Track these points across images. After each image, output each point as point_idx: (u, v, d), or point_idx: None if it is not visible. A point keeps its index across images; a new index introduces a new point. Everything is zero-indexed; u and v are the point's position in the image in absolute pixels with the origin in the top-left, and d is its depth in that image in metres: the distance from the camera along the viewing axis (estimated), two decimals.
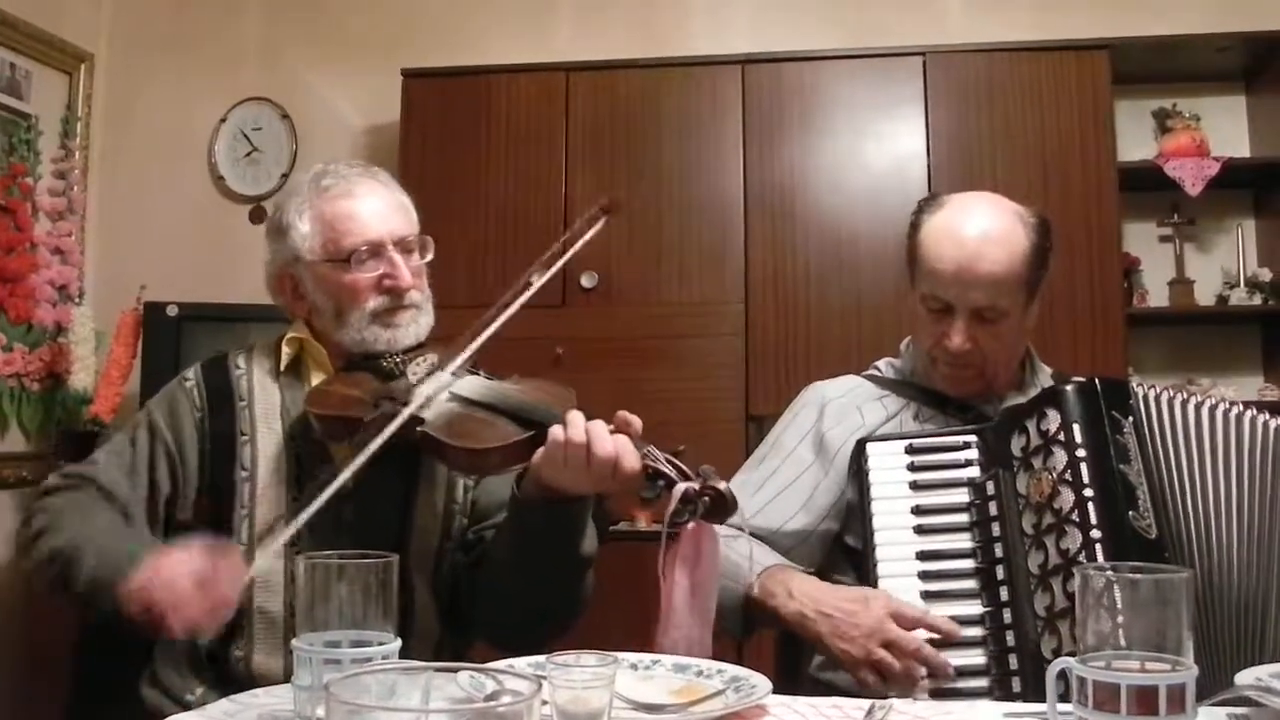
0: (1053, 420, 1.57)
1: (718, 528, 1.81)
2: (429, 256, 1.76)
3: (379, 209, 1.70)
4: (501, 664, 1.23)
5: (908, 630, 1.50)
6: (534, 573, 1.58)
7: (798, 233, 3.50)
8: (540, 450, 1.46)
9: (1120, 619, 1.03)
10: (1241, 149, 3.70)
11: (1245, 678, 1.21)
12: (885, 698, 1.37)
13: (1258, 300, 3.58)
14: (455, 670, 1.04)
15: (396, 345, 1.68)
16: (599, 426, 1.43)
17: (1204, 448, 1.56)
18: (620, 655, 1.27)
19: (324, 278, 1.69)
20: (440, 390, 1.58)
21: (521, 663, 1.26)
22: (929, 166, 3.47)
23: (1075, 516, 1.50)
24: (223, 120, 4.21)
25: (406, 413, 1.50)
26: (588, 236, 1.67)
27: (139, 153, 4.22)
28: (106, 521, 1.59)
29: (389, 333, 1.68)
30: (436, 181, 3.60)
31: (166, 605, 1.36)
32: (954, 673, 1.49)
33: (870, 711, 1.24)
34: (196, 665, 1.62)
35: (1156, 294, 3.70)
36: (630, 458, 1.42)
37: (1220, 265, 3.72)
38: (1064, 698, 1.08)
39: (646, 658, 1.34)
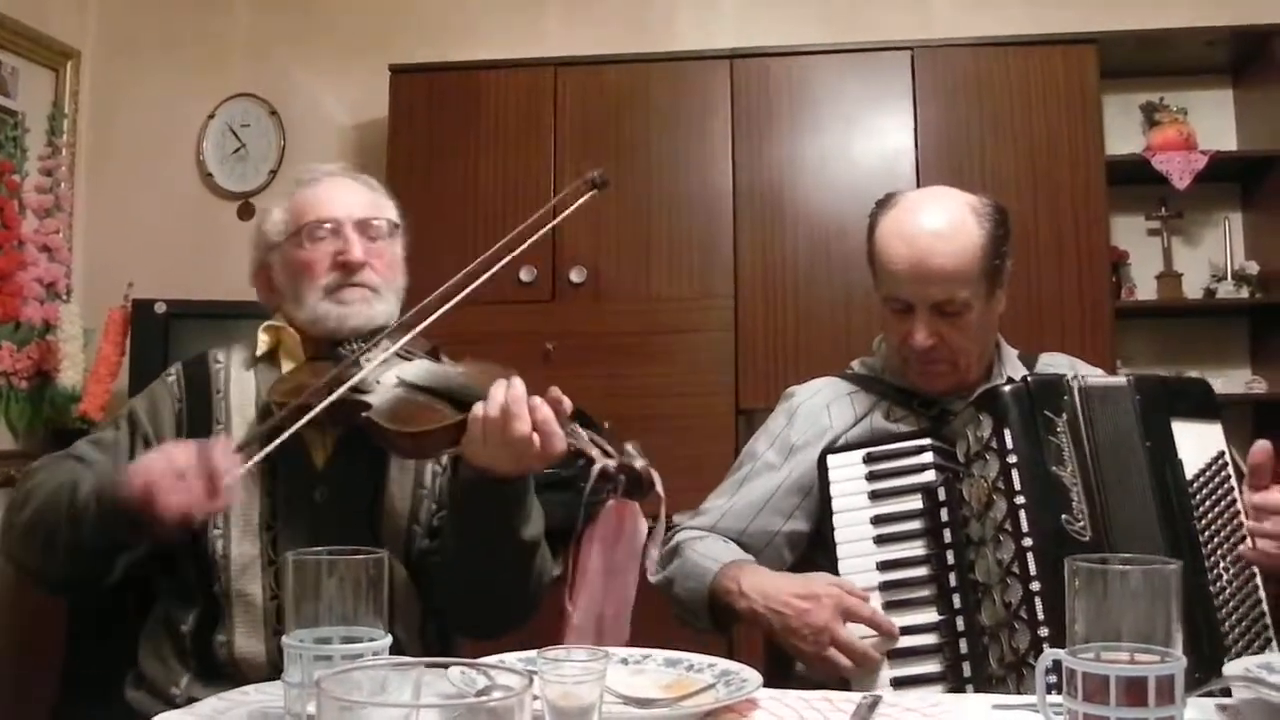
0: (986, 426, 1.58)
1: (693, 531, 1.83)
2: (398, 241, 1.78)
3: (343, 193, 1.76)
4: (493, 659, 1.23)
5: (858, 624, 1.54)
6: (476, 557, 1.59)
7: (787, 227, 3.50)
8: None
9: (1108, 610, 1.03)
10: (1229, 142, 3.72)
11: (1234, 668, 1.23)
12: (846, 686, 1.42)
13: (1245, 293, 3.59)
14: (446, 665, 1.04)
15: (345, 323, 1.68)
16: (518, 403, 1.43)
17: (1113, 436, 1.57)
18: (611, 650, 1.27)
19: (287, 256, 1.73)
20: (387, 364, 1.59)
21: (512, 657, 1.26)
22: (917, 161, 3.47)
23: (1008, 525, 1.52)
24: (210, 117, 4.19)
25: (351, 381, 1.51)
26: (574, 207, 1.65)
27: (126, 150, 4.20)
28: (103, 464, 1.62)
29: (339, 309, 1.69)
30: (425, 177, 3.60)
31: (165, 480, 1.38)
32: (898, 635, 1.53)
33: (859, 706, 1.24)
34: (181, 655, 1.62)
35: (1144, 287, 3.72)
36: (551, 436, 1.43)
37: (1208, 258, 3.73)
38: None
39: (637, 652, 1.35)
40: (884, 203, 1.83)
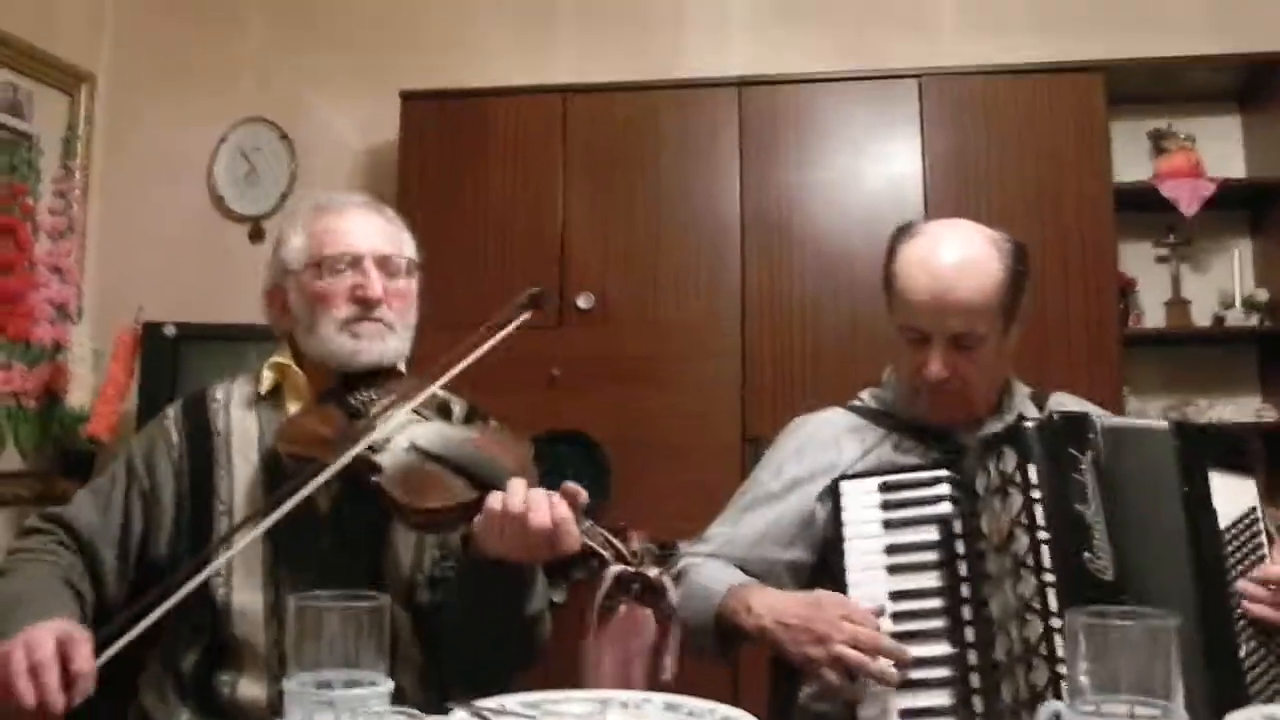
0: (1009, 460, 1.56)
1: (696, 558, 1.83)
2: (414, 280, 1.78)
3: (365, 227, 1.75)
4: (493, 703, 1.23)
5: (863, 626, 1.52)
6: (478, 626, 1.60)
7: (794, 254, 3.50)
8: (478, 517, 1.47)
9: (1109, 662, 1.03)
10: (1237, 170, 3.71)
11: (1238, 718, 1.22)
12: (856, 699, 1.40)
13: (1254, 321, 3.58)
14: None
15: (357, 358, 1.69)
16: (539, 498, 1.43)
17: (1144, 478, 1.56)
18: (610, 693, 1.27)
19: (303, 285, 1.73)
20: (399, 432, 1.58)
21: (514, 701, 1.26)
22: (925, 188, 3.47)
23: (1030, 560, 1.49)
24: (222, 140, 4.21)
25: (355, 450, 1.50)
26: (509, 329, 1.63)
27: (139, 172, 4.22)
28: (44, 574, 1.60)
29: (353, 343, 1.69)
30: (435, 202, 3.61)
31: (21, 673, 1.33)
32: (911, 659, 1.51)
33: None
34: (181, 693, 1.63)
35: (1152, 315, 3.71)
36: (568, 535, 1.43)
37: (1217, 286, 3.71)
38: None
39: (638, 695, 1.34)
40: (905, 231, 1.83)
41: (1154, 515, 1.54)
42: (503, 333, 1.62)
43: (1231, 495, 1.59)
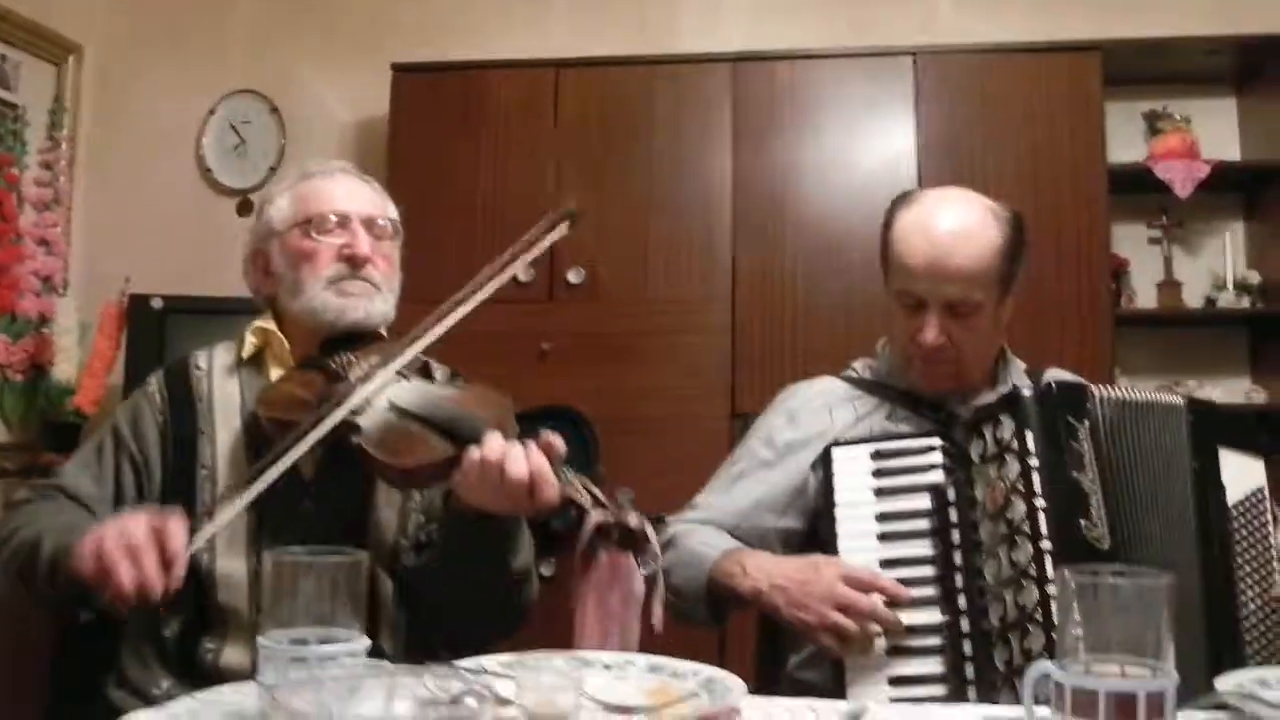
0: (1007, 427, 1.56)
1: (687, 525, 1.82)
2: (398, 245, 1.78)
3: (351, 190, 1.76)
4: (471, 663, 1.22)
5: (860, 592, 1.52)
6: (464, 584, 1.59)
7: (786, 231, 3.48)
8: (457, 471, 1.46)
9: (1100, 622, 1.01)
10: (1232, 152, 3.70)
11: (1226, 683, 1.21)
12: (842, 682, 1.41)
13: (1246, 303, 3.58)
14: (420, 672, 1.03)
15: (344, 316, 1.68)
16: (516, 448, 1.43)
17: (1143, 448, 1.56)
18: (593, 655, 1.26)
19: (290, 244, 1.72)
20: (379, 393, 1.57)
21: (492, 661, 1.25)
22: (919, 166, 3.45)
23: (1026, 527, 1.49)
24: (211, 112, 4.18)
25: (335, 416, 1.49)
26: (546, 243, 1.62)
27: (126, 144, 4.19)
28: (71, 516, 1.61)
29: (340, 300, 1.69)
30: (424, 176, 3.58)
31: (117, 555, 1.36)
32: (905, 629, 1.51)
33: (846, 716, 1.23)
34: (164, 659, 1.62)
35: (1144, 296, 3.70)
36: (545, 484, 1.42)
37: (1209, 268, 3.71)
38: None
39: (620, 657, 1.33)
40: (903, 199, 1.83)
41: (1163, 488, 1.55)
42: (535, 250, 1.61)
43: (1240, 474, 1.60)
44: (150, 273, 3.76)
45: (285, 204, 1.75)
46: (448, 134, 3.65)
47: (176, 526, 1.39)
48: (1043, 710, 1.06)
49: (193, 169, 4.19)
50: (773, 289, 3.46)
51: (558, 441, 1.46)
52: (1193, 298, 3.69)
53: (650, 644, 1.41)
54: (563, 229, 1.62)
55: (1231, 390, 3.56)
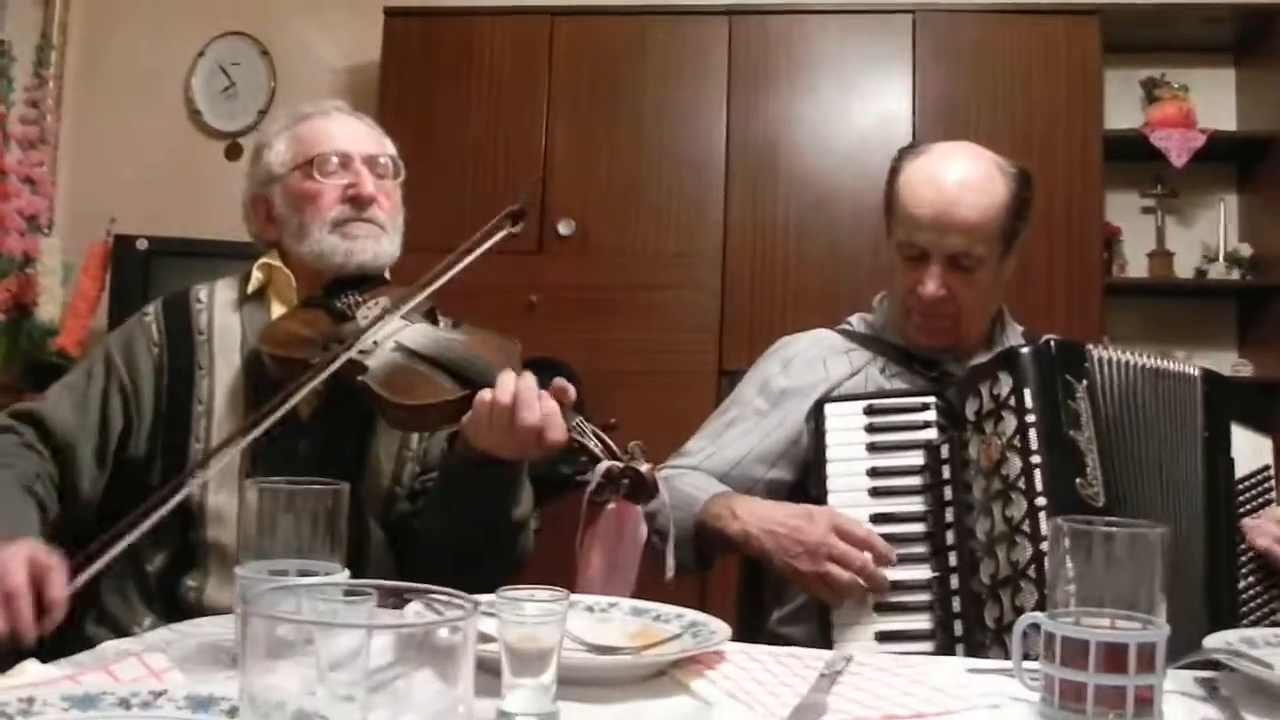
0: (1004, 384, 1.55)
1: (676, 469, 1.81)
2: (399, 183, 1.76)
3: (350, 129, 1.74)
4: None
5: (853, 545, 1.51)
6: (463, 531, 1.57)
7: (779, 188, 3.46)
8: (468, 414, 1.45)
9: (1092, 574, 1.01)
10: (1228, 122, 3.69)
11: (1215, 641, 1.21)
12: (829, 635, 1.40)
13: (1236, 275, 3.58)
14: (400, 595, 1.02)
15: (352, 258, 1.66)
16: (528, 392, 1.41)
17: (1147, 411, 1.57)
18: (576, 596, 1.25)
19: (291, 188, 1.69)
20: (386, 336, 1.55)
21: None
22: (914, 125, 3.42)
23: (1021, 484, 1.49)
24: (200, 54, 4.13)
25: (345, 356, 1.47)
26: (489, 245, 1.59)
27: (114, 84, 4.14)
28: (6, 481, 1.52)
29: (346, 243, 1.66)
30: (416, 122, 3.53)
31: None
32: (889, 586, 1.51)
33: (829, 662, 1.23)
34: (146, 596, 1.60)
35: (1135, 265, 3.69)
36: (556, 429, 1.41)
37: (1200, 239, 3.71)
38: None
39: (604, 600, 1.33)
40: (911, 149, 1.82)
41: (1169, 453, 1.56)
42: (480, 250, 1.59)
43: (1249, 450, 1.62)
44: (136, 214, 3.72)
45: (283, 147, 1.72)
46: (440, 80, 3.61)
47: (58, 573, 1.31)
48: (1031, 664, 1.06)
49: (181, 110, 4.14)
50: (764, 246, 3.44)
51: (569, 388, 1.44)
52: (1183, 269, 3.68)
53: (631, 594, 1.40)
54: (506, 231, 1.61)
55: (1218, 363, 3.55)
